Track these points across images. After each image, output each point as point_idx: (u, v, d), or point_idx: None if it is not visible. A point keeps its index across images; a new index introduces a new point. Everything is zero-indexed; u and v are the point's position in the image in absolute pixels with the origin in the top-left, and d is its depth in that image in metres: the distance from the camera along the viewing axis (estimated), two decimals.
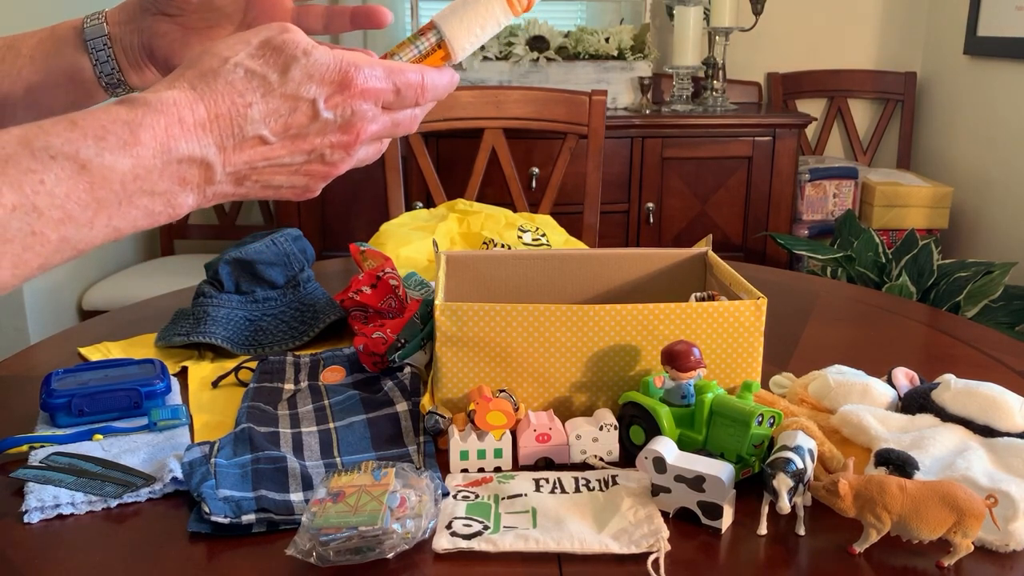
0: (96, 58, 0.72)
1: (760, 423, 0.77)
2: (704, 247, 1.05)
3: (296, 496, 0.76)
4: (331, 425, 0.90)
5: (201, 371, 1.03)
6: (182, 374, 1.04)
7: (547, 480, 0.79)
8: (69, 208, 0.49)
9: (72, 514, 0.75)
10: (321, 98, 0.56)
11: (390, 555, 0.67)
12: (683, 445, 0.78)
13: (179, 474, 0.78)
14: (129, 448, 0.85)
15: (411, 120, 0.62)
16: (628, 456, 0.84)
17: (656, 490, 0.75)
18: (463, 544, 0.70)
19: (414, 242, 1.37)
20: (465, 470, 0.82)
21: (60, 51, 0.72)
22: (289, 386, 0.98)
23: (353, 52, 0.58)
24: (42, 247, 0.48)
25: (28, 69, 0.72)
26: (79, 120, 0.50)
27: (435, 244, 1.04)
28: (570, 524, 0.72)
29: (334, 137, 0.57)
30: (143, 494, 0.77)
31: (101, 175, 0.49)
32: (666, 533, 0.71)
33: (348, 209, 2.83)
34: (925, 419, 0.84)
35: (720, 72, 2.97)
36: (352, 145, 0.59)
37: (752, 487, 0.77)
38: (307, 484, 0.77)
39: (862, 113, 3.38)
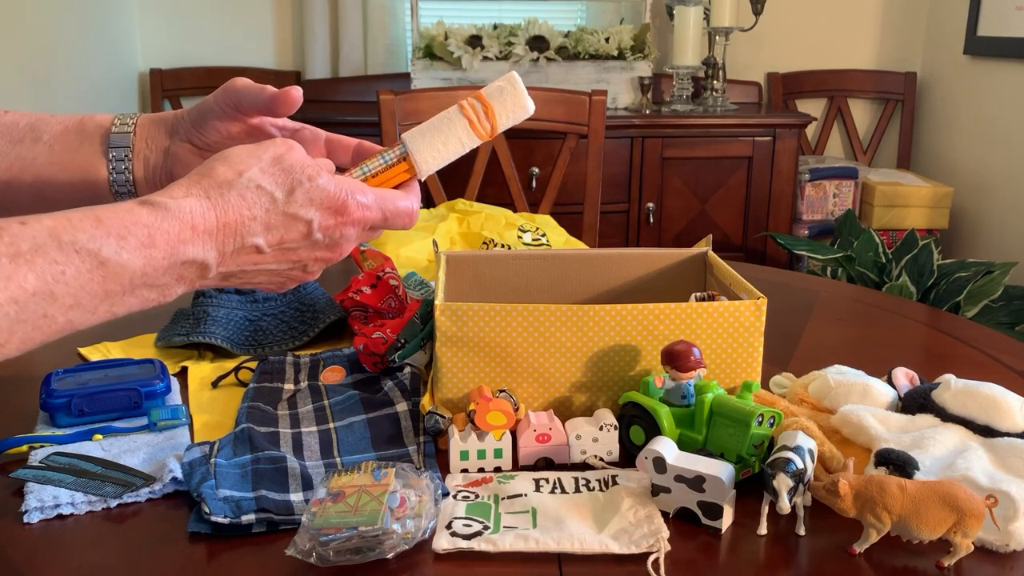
0: (114, 167, 0.74)
1: (760, 423, 0.77)
2: (704, 247, 1.05)
3: (296, 496, 0.76)
4: (331, 425, 0.90)
5: (201, 371, 1.03)
6: (182, 374, 1.04)
7: (547, 480, 0.79)
8: (80, 296, 0.53)
9: (72, 514, 0.75)
10: (316, 221, 0.62)
11: (390, 555, 0.67)
12: (683, 445, 0.78)
13: (179, 474, 0.78)
14: (129, 448, 0.85)
15: (378, 234, 0.69)
16: (628, 456, 0.84)
17: (656, 490, 0.75)
18: (463, 544, 0.70)
19: (414, 242, 1.37)
20: (465, 470, 0.82)
21: (81, 148, 0.73)
22: (289, 386, 0.98)
23: (347, 179, 0.64)
24: (49, 327, 0.52)
25: (44, 159, 0.73)
26: (104, 218, 0.54)
27: (435, 244, 1.04)
28: (570, 524, 0.72)
29: (320, 253, 0.64)
30: (143, 494, 0.77)
31: (115, 271, 0.54)
32: (666, 533, 0.71)
33: None
34: (925, 419, 0.84)
35: (720, 72, 2.97)
36: (333, 260, 0.66)
37: (752, 487, 0.77)
38: (307, 484, 0.77)
39: (862, 113, 3.38)
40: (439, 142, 0.69)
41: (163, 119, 0.75)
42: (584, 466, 0.83)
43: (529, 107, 0.71)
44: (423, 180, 0.71)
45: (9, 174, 0.73)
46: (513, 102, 0.70)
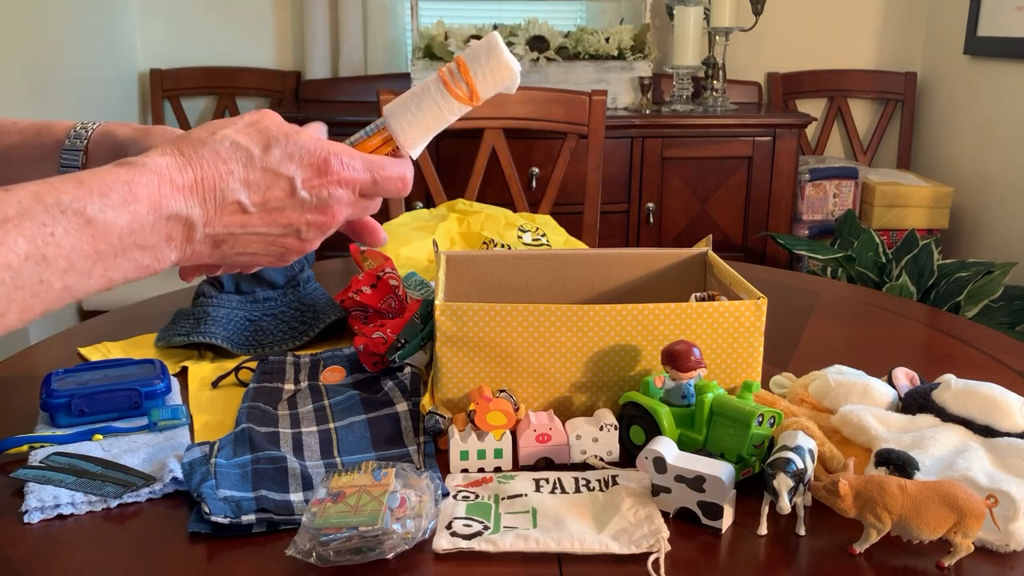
0: None
1: (760, 423, 0.77)
2: (704, 247, 1.05)
3: (296, 496, 0.76)
4: (331, 425, 0.90)
5: (201, 371, 1.03)
6: (182, 374, 1.04)
7: (547, 480, 0.79)
8: (73, 259, 0.52)
9: (72, 514, 0.75)
10: (299, 178, 0.60)
11: (390, 555, 0.67)
12: (683, 445, 0.78)
13: (179, 474, 0.78)
14: (129, 448, 0.85)
15: (374, 207, 0.67)
16: (628, 456, 0.84)
17: (656, 490, 0.75)
18: (463, 544, 0.70)
19: (414, 242, 1.37)
20: (465, 470, 0.82)
21: (37, 165, 0.73)
22: (289, 386, 0.98)
23: (329, 141, 0.63)
24: (47, 294, 0.52)
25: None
26: (85, 179, 0.54)
27: (435, 244, 1.04)
28: (570, 524, 0.72)
29: (311, 216, 0.62)
30: (143, 494, 0.77)
31: (103, 229, 0.53)
32: (666, 533, 0.71)
33: None
34: (925, 419, 0.84)
35: (720, 72, 2.97)
36: (328, 226, 0.63)
37: (752, 487, 0.77)
38: (307, 484, 0.77)
39: (862, 113, 3.37)
40: (413, 106, 0.66)
41: (116, 141, 0.74)
42: (584, 466, 0.83)
43: (511, 64, 0.66)
44: (413, 156, 0.68)
45: None
46: (489, 59, 0.66)
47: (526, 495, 0.76)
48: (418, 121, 0.66)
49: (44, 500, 0.75)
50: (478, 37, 2.77)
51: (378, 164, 0.64)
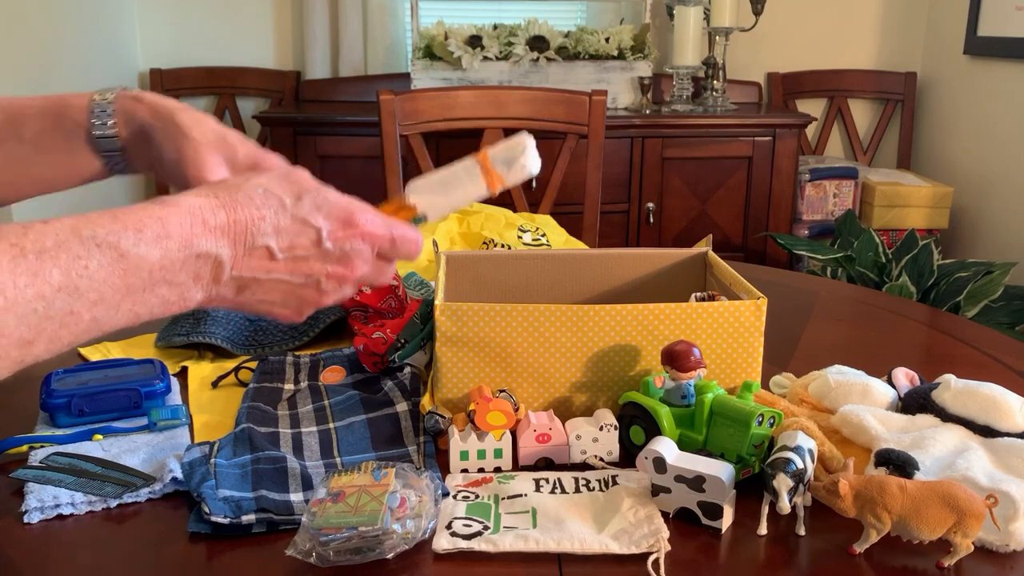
0: (110, 163, 0.75)
1: (760, 423, 0.77)
2: (704, 247, 1.05)
3: (296, 496, 0.76)
4: (331, 425, 0.90)
5: (201, 371, 1.03)
6: (182, 374, 1.04)
7: (547, 480, 0.79)
8: (104, 291, 0.53)
9: (72, 514, 0.75)
10: (326, 229, 0.62)
11: (390, 555, 0.67)
12: (683, 445, 0.78)
13: (179, 474, 0.78)
14: (129, 448, 0.85)
15: (390, 271, 0.68)
16: (628, 456, 0.84)
17: (656, 490, 0.75)
18: (463, 544, 0.70)
19: None
20: (465, 470, 0.82)
21: (71, 148, 0.74)
22: (289, 386, 0.98)
23: (358, 201, 0.65)
24: (76, 325, 0.53)
25: (34, 160, 0.74)
26: (120, 215, 0.56)
27: (435, 244, 1.04)
28: (570, 524, 0.72)
29: (331, 267, 0.64)
30: (143, 494, 0.77)
31: (135, 263, 0.55)
32: (666, 533, 0.71)
33: None
34: (925, 419, 0.84)
35: (720, 72, 2.97)
36: (346, 279, 0.65)
37: (752, 487, 0.77)
38: (307, 484, 0.77)
39: (862, 113, 3.38)
40: (436, 179, 0.71)
41: (136, 120, 0.74)
42: (584, 466, 0.83)
43: (529, 168, 0.72)
44: (430, 219, 0.72)
45: (4, 176, 0.73)
46: (514, 162, 0.72)
47: (526, 495, 0.76)
48: (438, 190, 0.71)
49: (44, 500, 0.75)
50: (478, 37, 2.77)
51: (396, 224, 0.67)
